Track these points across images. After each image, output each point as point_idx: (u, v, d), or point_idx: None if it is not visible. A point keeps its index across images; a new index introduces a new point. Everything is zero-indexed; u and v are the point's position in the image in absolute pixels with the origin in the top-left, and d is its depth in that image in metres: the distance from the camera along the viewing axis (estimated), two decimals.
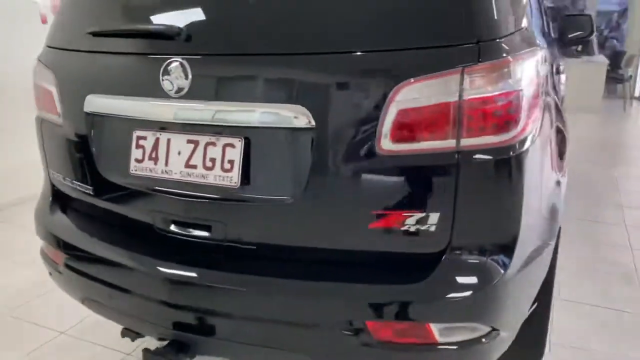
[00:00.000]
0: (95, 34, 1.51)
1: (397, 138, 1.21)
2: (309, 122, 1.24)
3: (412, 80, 1.19)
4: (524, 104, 1.25)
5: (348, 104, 1.25)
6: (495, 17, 1.23)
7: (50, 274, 1.78)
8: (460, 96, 1.18)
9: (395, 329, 1.28)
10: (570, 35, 3.39)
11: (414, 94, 1.19)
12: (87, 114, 1.55)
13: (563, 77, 3.81)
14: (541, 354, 1.88)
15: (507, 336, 1.39)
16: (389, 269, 1.30)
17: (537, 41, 1.53)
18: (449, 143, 1.20)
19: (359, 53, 1.24)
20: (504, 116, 1.22)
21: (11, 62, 3.68)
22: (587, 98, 7.95)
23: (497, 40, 1.23)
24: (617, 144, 6.36)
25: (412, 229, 1.25)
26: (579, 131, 6.51)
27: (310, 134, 1.26)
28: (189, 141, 1.39)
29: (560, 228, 1.73)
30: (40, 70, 1.71)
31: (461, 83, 1.18)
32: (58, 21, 1.70)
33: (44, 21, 3.98)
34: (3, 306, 2.59)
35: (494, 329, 1.33)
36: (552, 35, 3.44)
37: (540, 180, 1.42)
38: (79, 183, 1.65)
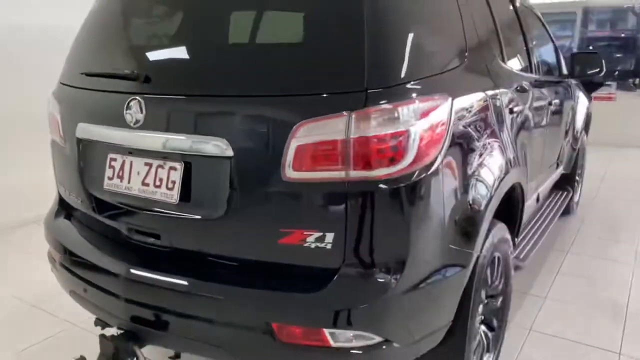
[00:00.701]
0: (85, 74, 1.86)
1: (297, 168, 1.45)
2: (229, 151, 1.50)
3: (308, 120, 1.42)
4: (412, 142, 1.45)
5: (260, 137, 1.50)
6: (384, 70, 1.45)
7: (52, 270, 2.13)
8: (348, 135, 1.40)
9: (295, 331, 1.50)
10: (579, 73, 3.46)
11: (310, 132, 1.42)
12: (78, 138, 1.89)
13: (580, 108, 3.88)
14: None
15: (402, 348, 1.56)
16: (293, 279, 1.52)
17: (454, 87, 1.71)
18: (340, 174, 1.42)
19: (268, 97, 1.50)
20: (388, 153, 1.42)
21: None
22: None
23: (385, 89, 1.44)
24: None
25: (312, 245, 1.47)
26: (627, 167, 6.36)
27: (229, 162, 1.52)
28: (146, 164, 1.69)
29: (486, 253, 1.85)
30: (51, 102, 2.08)
31: (348, 124, 1.40)
32: (66, 63, 2.07)
33: None
34: (30, 297, 3.00)
35: (386, 340, 1.51)
36: (559, 71, 3.54)
37: (441, 208, 1.59)
38: (72, 194, 2.00)
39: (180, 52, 1.74)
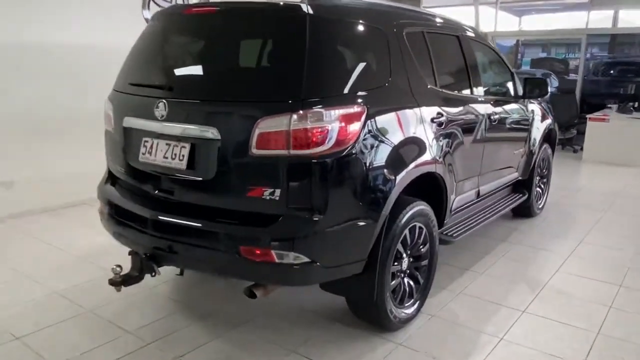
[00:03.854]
0: (130, 84, 2.79)
1: (258, 147, 2.30)
2: (217, 136, 2.38)
3: (266, 117, 2.28)
4: (331, 134, 2.29)
5: (237, 127, 2.37)
6: (315, 87, 2.31)
7: (101, 220, 3.04)
8: (289, 127, 2.25)
9: (255, 252, 2.34)
10: (529, 94, 4.24)
11: (267, 125, 2.28)
12: (124, 127, 2.81)
13: (536, 124, 4.62)
14: (371, 301, 2.68)
15: (326, 268, 2.39)
16: (255, 219, 2.36)
17: (372, 101, 2.54)
18: (284, 152, 2.27)
19: (242, 102, 2.38)
20: (315, 140, 2.27)
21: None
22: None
23: (315, 99, 2.30)
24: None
25: (267, 197, 2.32)
26: (607, 182, 6.95)
27: (217, 143, 2.39)
28: (167, 144, 2.58)
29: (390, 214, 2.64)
30: (107, 103, 3.01)
31: (290, 120, 2.25)
32: (118, 76, 3.00)
33: None
34: (81, 253, 3.95)
35: (313, 261, 2.34)
36: (514, 93, 4.32)
37: (354, 177, 2.41)
38: (118, 166, 2.91)
39: (189, 71, 2.68)
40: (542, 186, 5.30)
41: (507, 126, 4.18)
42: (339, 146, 2.33)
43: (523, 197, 4.73)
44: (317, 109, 2.29)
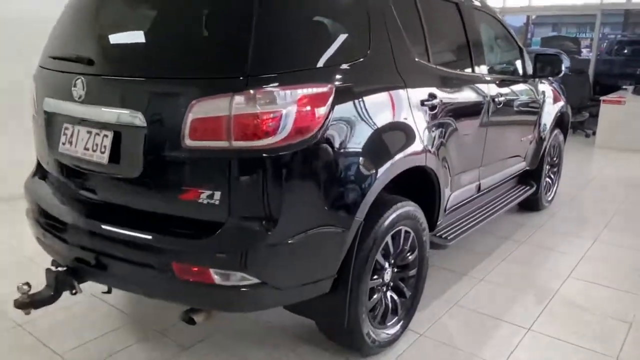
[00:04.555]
0: (51, 57, 2.27)
1: (193, 137, 1.79)
2: (142, 123, 1.87)
3: (201, 99, 1.77)
4: (286, 121, 1.78)
5: (166, 112, 1.86)
6: (265, 60, 1.79)
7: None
8: (230, 112, 1.74)
9: (190, 270, 1.85)
10: (540, 73, 3.70)
11: (201, 108, 1.77)
12: (45, 111, 2.30)
13: (547, 107, 4.09)
14: (342, 326, 2.19)
15: (280, 291, 1.90)
16: (191, 229, 1.87)
17: (344, 79, 2.02)
18: (224, 144, 1.76)
19: (172, 79, 1.86)
20: (263, 128, 1.75)
21: None
22: None
23: (265, 76, 1.77)
24: None
25: (205, 202, 1.82)
26: (623, 171, 6.42)
27: (143, 132, 1.88)
28: (87, 132, 2.07)
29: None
30: (33, 82, 2.50)
31: (231, 103, 1.74)
32: (44, 48, 2.49)
33: None
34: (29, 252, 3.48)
35: (263, 282, 1.85)
36: (523, 72, 3.77)
37: (318, 176, 1.90)
38: (42, 158, 2.41)
39: (113, 41, 2.14)
40: (552, 176, 4.77)
41: (514, 110, 3.64)
42: (297, 136, 1.82)
43: (530, 190, 4.21)
44: (268, 88, 1.77)
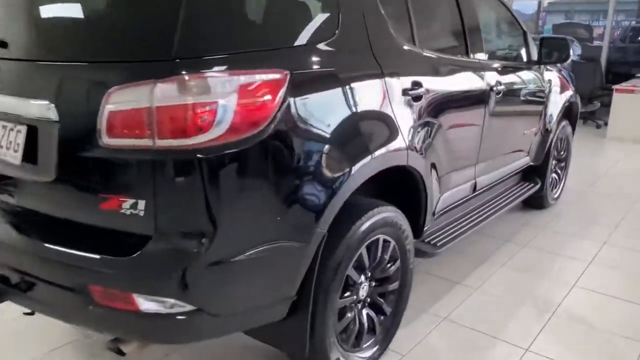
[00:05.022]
0: None
1: (110, 134, 1.47)
2: (54, 116, 1.54)
3: (118, 87, 1.44)
4: (224, 114, 1.45)
5: (81, 103, 1.53)
6: (197, 41, 1.45)
7: None
8: (152, 103, 1.41)
9: (110, 294, 1.54)
10: (546, 59, 3.34)
11: (119, 99, 1.44)
12: None
13: (554, 97, 3.72)
14: (304, 355, 1.89)
15: (222, 319, 1.58)
16: (112, 244, 1.55)
17: (303, 64, 1.68)
18: (148, 142, 1.44)
19: (88, 63, 1.52)
20: (194, 123, 1.42)
21: None
22: None
23: (196, 59, 1.44)
24: None
25: (128, 212, 1.50)
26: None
27: (57, 127, 1.55)
28: (3, 126, 1.75)
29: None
30: None
31: (153, 92, 1.40)
32: None
33: None
34: None
35: (199, 309, 1.53)
36: (527, 58, 3.41)
37: (266, 182, 1.58)
38: None
39: (26, 21, 1.78)
40: (559, 172, 4.40)
41: (517, 100, 3.28)
42: (238, 133, 1.49)
43: (535, 187, 3.85)
44: (200, 73, 1.44)
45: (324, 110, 1.72)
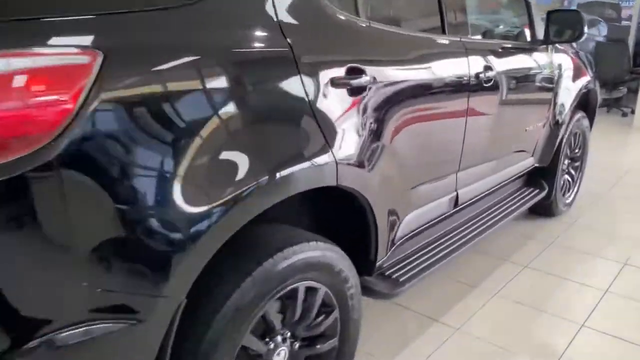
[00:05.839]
0: None
1: None
2: None
3: None
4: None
5: None
6: None
7: None
8: None
9: None
10: (555, 37, 2.68)
11: None
12: None
13: (565, 83, 3.06)
14: None
15: None
16: None
17: (128, 42, 1.08)
18: None
19: None
20: None
21: None
22: None
23: None
24: None
25: None
26: None
27: None
28: None
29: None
30: None
31: None
32: None
33: None
34: None
35: None
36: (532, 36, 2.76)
37: (61, 226, 0.99)
38: None
39: None
40: (573, 173, 3.72)
41: (515, 89, 2.62)
42: (11, 149, 0.90)
43: (540, 194, 3.19)
44: None
45: (173, 110, 1.11)
